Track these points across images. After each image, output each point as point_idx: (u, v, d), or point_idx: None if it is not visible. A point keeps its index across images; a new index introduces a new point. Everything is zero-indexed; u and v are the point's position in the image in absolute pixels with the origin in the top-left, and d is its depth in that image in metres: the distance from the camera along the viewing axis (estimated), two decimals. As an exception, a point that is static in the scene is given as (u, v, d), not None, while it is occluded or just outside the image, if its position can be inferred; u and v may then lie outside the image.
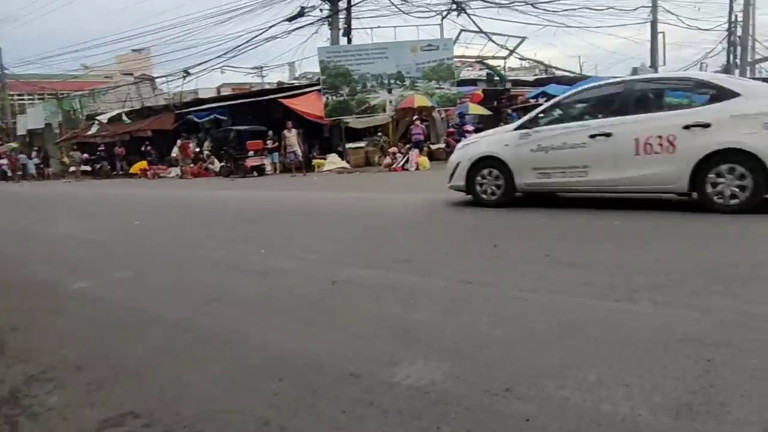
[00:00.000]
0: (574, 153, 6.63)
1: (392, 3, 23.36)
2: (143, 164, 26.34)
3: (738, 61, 35.88)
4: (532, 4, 23.97)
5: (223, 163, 22.20)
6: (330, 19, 22.47)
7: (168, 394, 2.43)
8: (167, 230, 7.85)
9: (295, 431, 2.05)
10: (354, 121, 21.16)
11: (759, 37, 37.18)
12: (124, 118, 29.61)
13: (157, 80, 37.36)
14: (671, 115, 6.14)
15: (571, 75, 29.73)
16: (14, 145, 36.42)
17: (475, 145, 7.88)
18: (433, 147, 20.65)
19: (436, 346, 2.75)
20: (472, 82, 25.90)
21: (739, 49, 35.41)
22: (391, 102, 21.06)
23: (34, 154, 33.59)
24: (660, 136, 6.04)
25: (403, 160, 18.51)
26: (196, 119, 25.63)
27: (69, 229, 8.73)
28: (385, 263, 4.67)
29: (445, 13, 23.13)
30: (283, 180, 17.67)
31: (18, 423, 2.28)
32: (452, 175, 7.87)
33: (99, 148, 29.81)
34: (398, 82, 21.09)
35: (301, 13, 22.38)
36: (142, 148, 26.97)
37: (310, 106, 21.30)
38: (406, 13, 22.87)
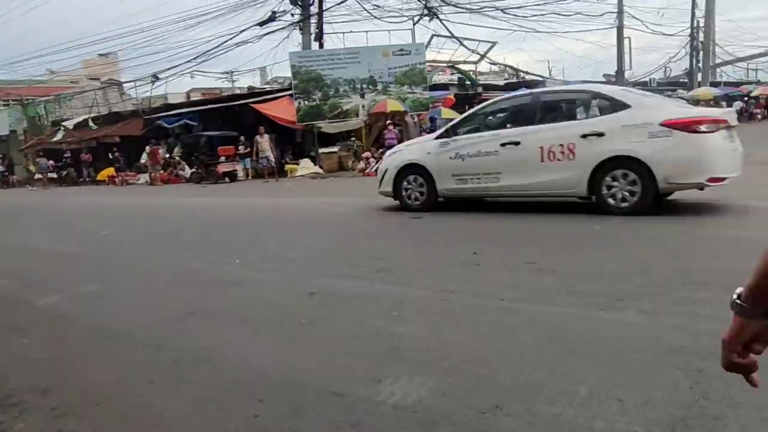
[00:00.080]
0: (487, 160, 7.07)
1: (364, 8, 23.29)
2: (111, 171, 25.70)
3: (701, 65, 36.84)
4: (502, 10, 24.20)
5: (194, 170, 21.81)
6: (301, 24, 22.28)
7: (139, 421, 2.30)
8: (137, 240, 7.62)
9: (278, 458, 1.95)
10: (327, 126, 21.01)
11: (720, 42, 38.10)
12: (91, 123, 28.86)
13: (125, 85, 36.61)
14: (570, 125, 6.60)
15: (540, 79, 30.08)
16: (-23, 152, 35.26)
17: (401, 154, 8.32)
18: (407, 151, 20.58)
19: (420, 360, 2.68)
20: (444, 86, 26.00)
21: (701, 54, 36.36)
22: (363, 107, 20.98)
23: (-2, 161, 32.57)
24: (561, 145, 6.49)
25: (377, 165, 18.42)
26: (166, 125, 25.13)
27: (33, 240, 8.43)
28: (364, 272, 4.58)
29: (417, 18, 23.16)
30: (256, 186, 17.43)
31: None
32: (381, 181, 8.30)
33: (65, 155, 29.03)
34: (371, 86, 21.02)
35: (272, 18, 22.13)
36: (110, 155, 26.34)
37: (283, 111, 21.08)
38: (378, 18, 22.62)
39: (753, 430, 1.88)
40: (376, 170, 17.97)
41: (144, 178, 23.97)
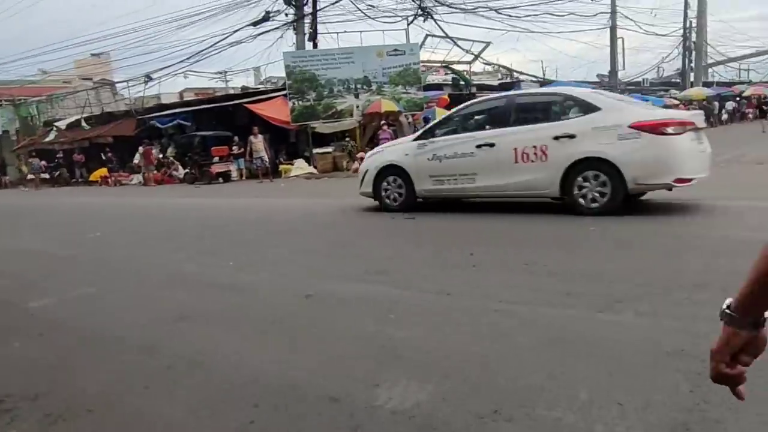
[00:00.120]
0: (464, 161, 7.19)
1: (358, 8, 23.23)
2: (104, 171, 25.54)
3: (693, 65, 37.00)
4: (496, 10, 24.20)
5: (187, 170, 21.69)
6: (295, 24, 22.21)
7: (133, 428, 2.27)
8: (130, 242, 7.55)
9: (275, 465, 1.92)
10: (321, 126, 20.95)
11: (712, 42, 38.30)
12: (84, 124, 28.65)
13: (117, 85, 36.37)
14: (543, 127, 6.69)
15: (534, 79, 30.11)
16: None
17: (381, 155, 8.40)
18: (401, 152, 20.57)
19: (418, 363, 2.65)
20: (438, 86, 25.99)
21: (694, 54, 36.52)
22: (358, 107, 20.93)
23: (-10, 162, 32.34)
24: (535, 146, 6.61)
25: (365, 166, 18.39)
26: (159, 125, 25.00)
27: (25, 242, 8.35)
28: (360, 274, 4.54)
29: (411, 19, 23.14)
30: (250, 186, 17.36)
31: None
32: (362, 182, 8.35)
33: (57, 155, 28.83)
34: (365, 86, 20.98)
35: (266, 18, 22.04)
36: (103, 155, 26.16)
37: (277, 111, 21.01)
38: (373, 18, 22.57)
39: (755, 434, 1.87)
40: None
41: (137, 178, 23.82)
